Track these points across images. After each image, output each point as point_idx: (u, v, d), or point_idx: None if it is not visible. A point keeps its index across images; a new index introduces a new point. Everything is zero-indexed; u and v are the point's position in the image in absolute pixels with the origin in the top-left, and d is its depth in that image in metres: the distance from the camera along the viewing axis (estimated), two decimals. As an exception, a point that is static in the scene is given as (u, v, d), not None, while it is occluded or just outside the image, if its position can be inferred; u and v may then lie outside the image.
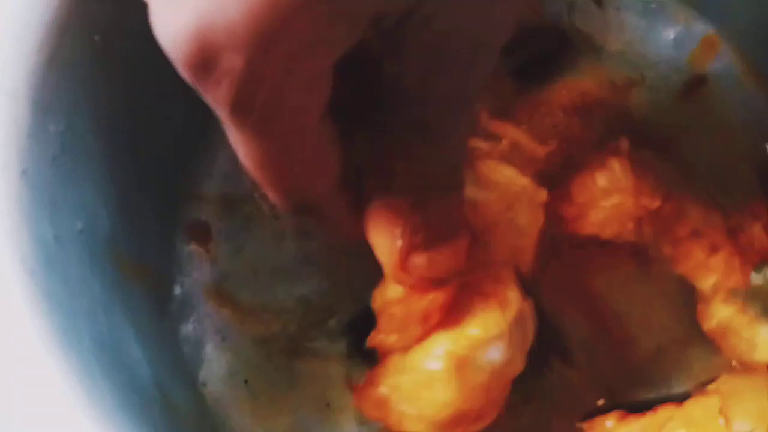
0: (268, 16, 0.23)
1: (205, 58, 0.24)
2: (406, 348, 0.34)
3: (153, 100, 0.37)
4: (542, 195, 0.35)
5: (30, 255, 0.31)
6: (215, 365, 0.40)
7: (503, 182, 0.35)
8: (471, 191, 0.34)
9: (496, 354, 0.33)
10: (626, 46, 0.42)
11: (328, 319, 0.40)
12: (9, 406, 0.29)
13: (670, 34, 0.41)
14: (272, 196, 0.29)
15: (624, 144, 0.36)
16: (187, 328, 0.40)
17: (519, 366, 0.34)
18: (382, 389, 0.34)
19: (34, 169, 0.32)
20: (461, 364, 0.33)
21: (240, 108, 0.25)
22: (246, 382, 0.40)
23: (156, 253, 0.40)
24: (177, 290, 0.41)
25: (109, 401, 0.32)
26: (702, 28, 0.41)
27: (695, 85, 0.41)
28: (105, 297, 0.35)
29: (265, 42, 0.24)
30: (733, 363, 0.37)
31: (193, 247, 0.41)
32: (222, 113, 0.26)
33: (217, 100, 0.25)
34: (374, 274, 0.32)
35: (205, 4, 0.23)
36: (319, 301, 0.41)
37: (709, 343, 0.38)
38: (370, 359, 0.37)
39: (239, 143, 0.27)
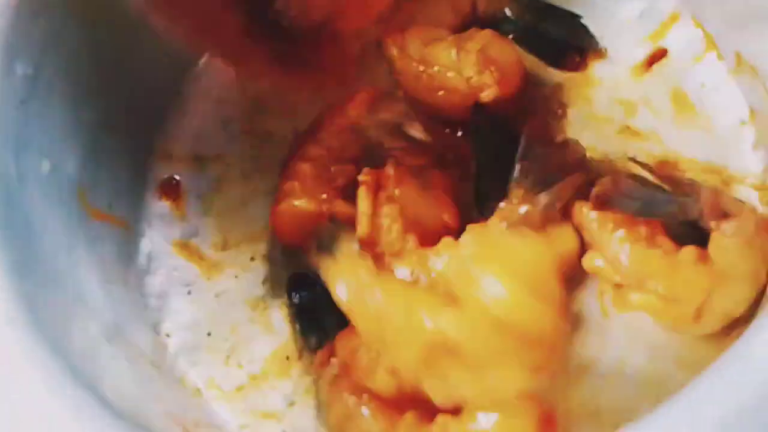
0: None
1: None
2: None
3: (124, 51, 0.39)
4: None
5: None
6: (180, 317, 0.42)
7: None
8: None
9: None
10: (593, 20, 0.43)
11: (289, 275, 0.41)
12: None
13: (635, 8, 0.42)
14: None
15: None
16: (154, 280, 0.42)
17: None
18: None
19: (0, 109, 0.33)
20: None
21: None
22: (209, 334, 0.41)
23: (126, 205, 0.42)
24: (145, 243, 0.42)
25: (70, 340, 0.34)
26: (667, 4, 0.42)
27: (656, 58, 0.42)
28: (70, 239, 0.37)
29: None
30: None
31: (163, 203, 0.43)
32: None
33: None
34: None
35: None
36: (284, 260, 0.41)
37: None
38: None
39: None
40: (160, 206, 0.43)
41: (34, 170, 0.35)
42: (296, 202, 0.39)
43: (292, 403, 0.40)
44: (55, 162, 0.36)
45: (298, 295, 0.40)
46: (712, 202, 0.37)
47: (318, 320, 0.40)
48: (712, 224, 0.36)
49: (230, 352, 0.41)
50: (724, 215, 0.36)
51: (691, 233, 0.37)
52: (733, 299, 0.36)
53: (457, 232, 0.37)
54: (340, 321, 0.39)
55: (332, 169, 0.40)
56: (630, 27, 0.43)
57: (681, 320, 0.37)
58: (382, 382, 0.36)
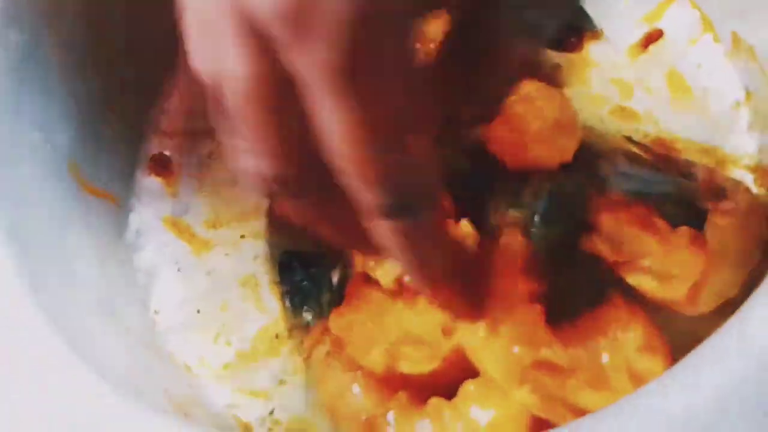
0: None
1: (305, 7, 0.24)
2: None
3: (118, 26, 0.39)
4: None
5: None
6: (169, 294, 0.41)
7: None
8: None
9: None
10: (588, 2, 0.42)
11: (281, 253, 0.41)
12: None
13: (631, -10, 0.42)
14: (371, 185, 0.27)
15: None
16: (144, 257, 0.42)
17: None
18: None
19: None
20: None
21: (344, 66, 0.25)
22: (198, 311, 0.40)
23: (117, 180, 0.42)
24: (135, 219, 0.42)
25: (61, 310, 0.33)
26: (663, -15, 0.42)
27: (652, 39, 0.41)
28: (61, 209, 0.37)
29: None
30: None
31: (153, 179, 0.42)
32: (322, 78, 0.25)
33: (318, 61, 0.25)
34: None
35: None
36: (275, 238, 0.41)
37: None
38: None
39: (338, 117, 0.26)
40: (151, 182, 0.43)
41: (28, 139, 0.35)
42: None
43: (281, 382, 0.39)
44: (47, 133, 0.36)
45: (289, 273, 0.40)
46: (708, 182, 0.37)
47: (311, 298, 0.39)
48: (708, 204, 0.36)
49: (220, 329, 0.40)
50: (720, 195, 0.36)
51: (686, 213, 0.37)
52: (726, 280, 0.36)
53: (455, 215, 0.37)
54: (334, 298, 0.39)
55: None
56: (626, 8, 0.43)
57: (675, 299, 0.36)
58: (375, 361, 0.36)
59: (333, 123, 0.26)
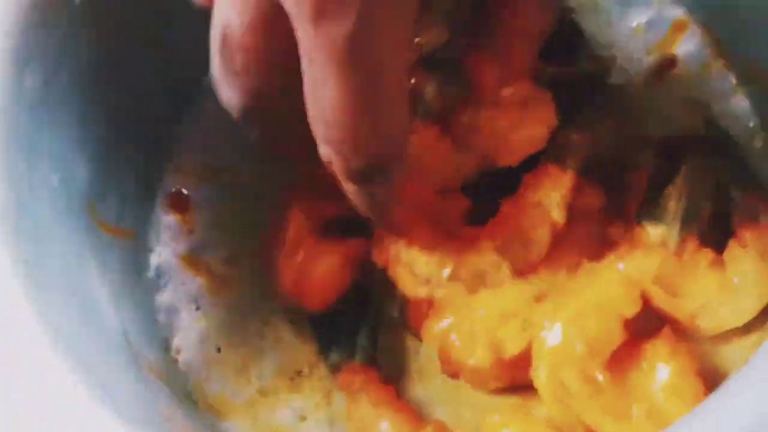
0: None
1: None
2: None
3: (133, 65, 0.39)
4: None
5: (2, 196, 0.32)
6: (189, 332, 0.41)
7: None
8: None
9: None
10: (599, 29, 0.42)
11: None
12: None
13: (642, 17, 0.42)
14: (349, 147, 0.30)
15: None
16: (162, 295, 0.41)
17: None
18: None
19: (11, 110, 0.33)
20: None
21: (352, 43, 0.27)
22: (218, 349, 0.40)
23: (134, 219, 0.42)
24: (153, 257, 0.42)
25: (80, 351, 0.33)
26: (674, 12, 0.42)
27: (666, 66, 0.41)
28: (79, 250, 0.37)
29: None
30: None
31: (171, 216, 0.42)
32: (330, 49, 0.27)
33: (332, 35, 0.27)
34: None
35: None
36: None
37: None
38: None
39: (331, 82, 0.28)
40: (169, 219, 0.42)
41: (45, 180, 0.35)
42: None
43: (303, 418, 0.39)
44: (64, 173, 0.36)
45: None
46: (750, 208, 0.37)
47: (341, 339, 0.40)
48: (738, 229, 0.36)
49: (240, 367, 0.40)
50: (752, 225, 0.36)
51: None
52: (735, 309, 0.36)
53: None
54: (371, 340, 0.40)
55: None
56: (638, 36, 0.42)
57: (679, 317, 0.36)
58: (482, 357, 0.36)
59: (327, 89, 0.28)
